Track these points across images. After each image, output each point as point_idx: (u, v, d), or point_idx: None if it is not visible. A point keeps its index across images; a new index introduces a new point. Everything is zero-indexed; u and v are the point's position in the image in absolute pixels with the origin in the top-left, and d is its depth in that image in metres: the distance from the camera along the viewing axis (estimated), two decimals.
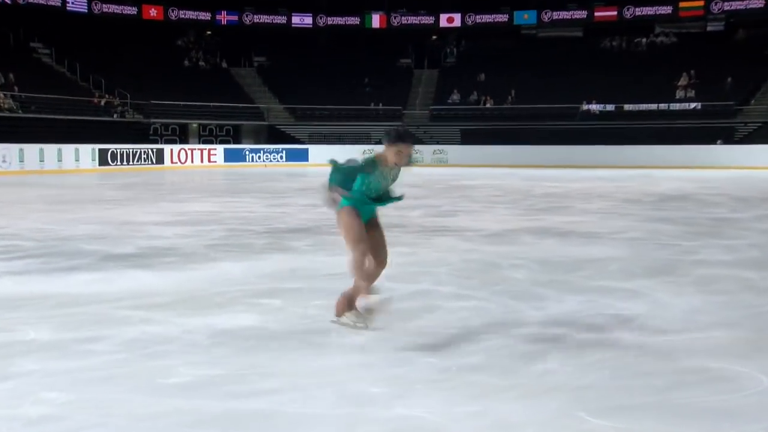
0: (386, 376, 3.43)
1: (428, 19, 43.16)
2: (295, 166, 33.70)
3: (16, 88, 30.04)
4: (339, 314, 4.23)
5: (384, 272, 4.61)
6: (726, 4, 39.49)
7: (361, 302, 4.08)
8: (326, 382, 3.34)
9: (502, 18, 42.30)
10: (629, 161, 31.39)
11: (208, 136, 36.95)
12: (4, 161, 25.52)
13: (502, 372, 3.49)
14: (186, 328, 4.24)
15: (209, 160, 33.03)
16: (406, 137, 3.85)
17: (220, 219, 10.60)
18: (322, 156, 35.09)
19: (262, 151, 34.81)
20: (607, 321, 4.51)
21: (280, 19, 42.88)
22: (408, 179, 21.31)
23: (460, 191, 17.33)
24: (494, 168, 31.17)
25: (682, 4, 40.01)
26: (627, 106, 34.86)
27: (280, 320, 4.47)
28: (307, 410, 3.01)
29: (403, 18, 43.14)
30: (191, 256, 7.12)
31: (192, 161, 32.29)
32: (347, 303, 4.19)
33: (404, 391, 3.22)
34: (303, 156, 35.17)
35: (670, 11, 40.22)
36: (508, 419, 2.93)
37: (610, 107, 35.23)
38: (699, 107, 34.02)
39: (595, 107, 35.49)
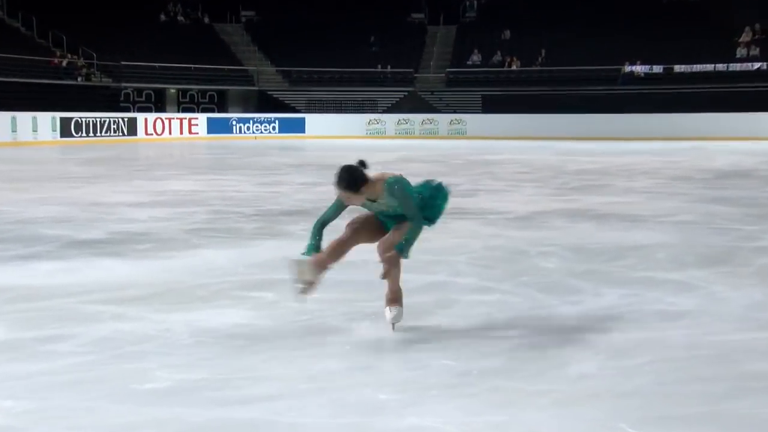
0: (396, 380, 3.44)
1: None
2: (290, 138, 33.73)
3: None
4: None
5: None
6: None
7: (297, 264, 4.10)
8: (326, 387, 3.35)
9: None
10: (679, 132, 31.24)
11: (188, 104, 36.96)
12: None
13: (531, 376, 3.49)
14: (164, 326, 4.27)
15: (190, 132, 33.09)
16: (336, 181, 3.99)
17: (203, 199, 10.63)
18: (321, 127, 35.13)
19: (251, 121, 34.82)
20: (653, 318, 4.51)
21: None
22: (421, 154, 21.54)
23: (481, 168, 17.30)
24: (521, 141, 31.12)
25: None
26: (678, 68, 34.61)
27: (274, 316, 4.48)
28: (305, 420, 3.02)
29: None
30: (170, 242, 7.15)
31: (170, 132, 32.36)
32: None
33: (416, 398, 3.23)
34: (299, 126, 35.19)
35: None
36: (537, 431, 2.93)
37: (657, 69, 34.99)
38: (764, 67, 33.68)
39: (639, 69, 35.25)
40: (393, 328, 4.12)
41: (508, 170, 16.48)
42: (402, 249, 4.00)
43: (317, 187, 12.17)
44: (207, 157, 23.28)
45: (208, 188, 12.35)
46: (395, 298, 4.14)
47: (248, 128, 34.60)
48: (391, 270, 4.07)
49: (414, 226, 4.02)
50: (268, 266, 5.96)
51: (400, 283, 4.17)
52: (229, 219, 8.73)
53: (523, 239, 7.30)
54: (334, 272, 5.40)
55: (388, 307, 4.14)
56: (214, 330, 4.20)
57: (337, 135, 33.90)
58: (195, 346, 3.92)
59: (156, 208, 9.69)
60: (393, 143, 30.05)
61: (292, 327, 4.27)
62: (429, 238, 7.31)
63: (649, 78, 34.89)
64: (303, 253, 4.11)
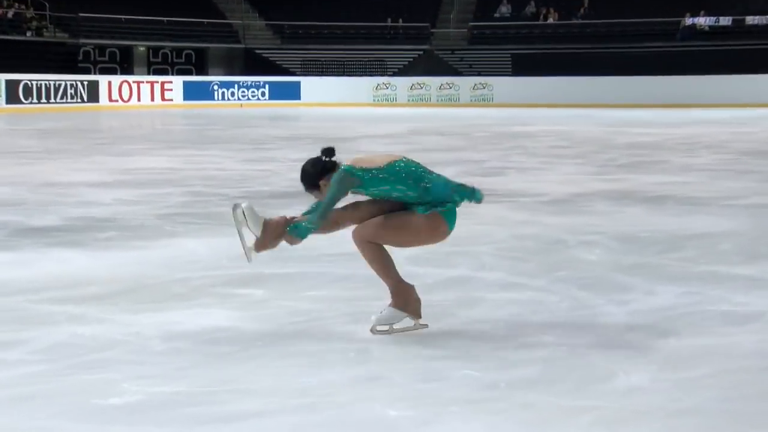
0: (409, 394, 3.45)
1: None
2: (283, 106, 33.73)
3: None
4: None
5: (407, 252, 4.61)
6: None
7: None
8: (326, 402, 3.36)
9: None
10: (751, 97, 31.04)
11: (160, 64, 36.96)
12: None
13: (569, 390, 3.50)
14: (133, 329, 4.28)
15: (163, 98, 33.11)
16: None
17: (180, 179, 10.66)
18: (319, 93, 35.09)
19: (236, 86, 34.80)
20: (716, 321, 4.50)
21: None
22: (438, 125, 21.56)
23: (510, 141, 17.28)
24: (558, 109, 31.05)
25: None
26: (749, 19, 34.34)
27: (263, 318, 4.50)
28: None
29: None
30: (139, 230, 7.17)
31: (139, 99, 32.39)
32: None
33: (433, 416, 3.23)
34: (293, 92, 35.15)
35: None
36: None
37: (724, 21, 34.73)
38: None
39: (703, 21, 35.01)
40: (371, 330, 4.16)
41: (543, 144, 16.44)
42: (294, 229, 4.14)
43: None
44: (183, 128, 23.30)
45: (185, 165, 12.37)
46: (393, 294, 4.16)
47: (232, 94, 34.60)
48: (369, 259, 4.12)
49: (311, 217, 4.13)
50: (257, 258, 5.97)
51: (390, 277, 4.15)
52: (210, 202, 8.75)
53: (561, 226, 7.29)
54: (335, 266, 5.42)
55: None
56: (192, 334, 4.21)
57: (338, 102, 33.86)
58: (169, 354, 3.94)
59: (122, 189, 9.71)
60: (405, 112, 30.02)
61: (286, 330, 4.28)
62: None
63: (714, 32, 34.64)
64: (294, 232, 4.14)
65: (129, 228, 7.23)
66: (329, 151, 4.22)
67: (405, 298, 4.17)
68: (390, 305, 4.18)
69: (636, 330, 4.31)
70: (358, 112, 30.04)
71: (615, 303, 4.80)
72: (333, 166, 4.17)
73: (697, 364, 3.81)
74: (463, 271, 5.59)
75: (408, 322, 4.22)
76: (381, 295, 4.32)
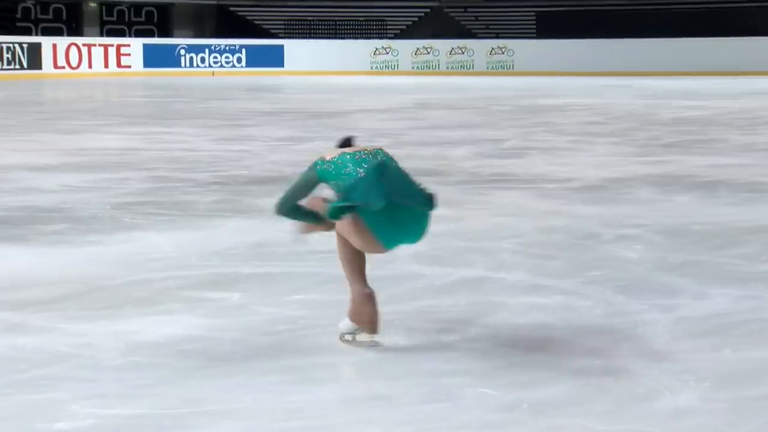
0: (413, 416, 3.45)
1: None
2: (263, 75, 33.67)
3: None
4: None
5: (413, 248, 4.61)
6: None
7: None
8: (316, 426, 3.36)
9: None
10: None
11: (115, 24, 36.88)
12: None
13: (605, 412, 3.50)
14: (84, 340, 4.28)
15: (119, 65, 33.04)
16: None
17: (140, 162, 10.66)
18: (306, 59, 35.00)
19: (206, 50, 34.72)
20: None
21: None
22: (448, 97, 21.41)
23: (534, 116, 17.27)
24: (591, 77, 31.01)
25: None
26: None
27: (240, 326, 4.50)
28: None
29: None
30: (92, 222, 7.17)
31: (90, 66, 32.33)
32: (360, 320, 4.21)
33: None
34: (274, 58, 35.08)
35: None
36: None
37: None
38: None
39: None
40: (340, 338, 4.20)
41: (573, 120, 16.44)
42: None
43: (300, 144, 12.17)
44: (143, 101, 23.27)
45: (146, 145, 12.36)
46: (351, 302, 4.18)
47: (202, 60, 34.55)
48: (341, 256, 4.18)
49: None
50: (232, 256, 5.99)
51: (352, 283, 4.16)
52: (177, 189, 8.75)
53: (594, 218, 7.30)
54: (326, 265, 5.42)
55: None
56: (155, 345, 4.21)
57: (328, 71, 33.80)
58: (128, 369, 3.94)
59: (71, 173, 9.71)
60: (408, 82, 30.00)
61: (267, 341, 4.28)
62: (460, 217, 7.36)
63: None
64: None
65: (79, 220, 7.23)
66: (347, 143, 4.27)
67: (356, 310, 4.17)
68: (347, 320, 4.21)
69: (684, 341, 4.31)
70: (353, 81, 30.02)
71: (659, 309, 4.80)
72: None
73: (757, 382, 3.82)
74: (478, 271, 5.59)
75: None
76: (380, 297, 4.33)
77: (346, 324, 4.22)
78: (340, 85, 27.20)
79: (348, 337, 4.23)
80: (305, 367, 3.95)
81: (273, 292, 5.13)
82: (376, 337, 4.20)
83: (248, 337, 4.34)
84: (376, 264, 4.74)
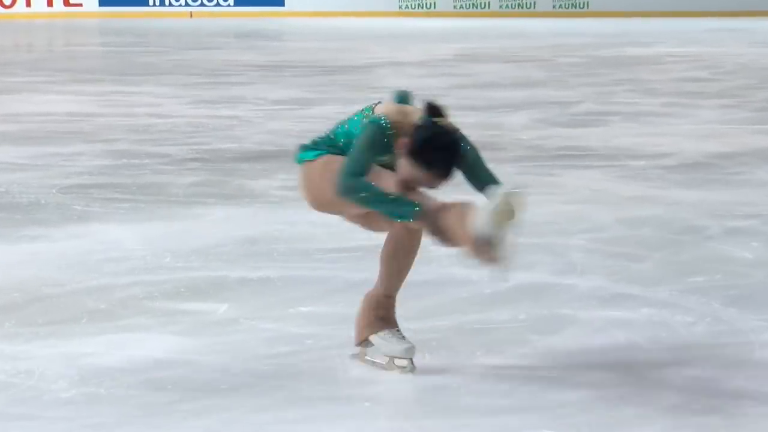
0: None
1: None
2: (257, 17, 33.62)
3: None
4: (361, 338, 4.27)
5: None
6: None
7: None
8: None
9: None
10: None
11: None
12: None
13: None
14: (23, 366, 4.29)
15: (67, 2, 33.11)
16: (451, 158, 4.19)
17: (95, 131, 10.63)
18: None
19: None
20: None
21: None
22: (500, 47, 21.13)
23: (615, 71, 17.15)
24: (692, 19, 30.77)
25: None
26: None
27: (228, 348, 4.51)
28: None
29: None
30: (32, 210, 7.17)
31: (28, 4, 32.40)
32: (377, 316, 4.23)
33: None
34: None
35: None
36: None
37: None
38: None
39: None
40: (410, 369, 4.19)
41: (668, 76, 16.31)
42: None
43: (306, 109, 12.09)
44: (100, 50, 23.25)
45: (103, 110, 12.32)
46: (390, 314, 4.22)
47: None
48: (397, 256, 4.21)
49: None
50: (217, 254, 5.99)
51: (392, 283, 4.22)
52: (144, 168, 8.73)
53: (696, 206, 7.27)
54: (339, 267, 5.42)
55: (383, 332, 4.22)
56: (117, 373, 4.22)
57: (343, 11, 33.74)
58: (82, 404, 3.95)
59: (3, 146, 9.70)
60: (449, 26, 29.86)
61: (263, 367, 4.29)
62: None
63: None
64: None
65: (15, 208, 7.23)
66: (435, 110, 4.27)
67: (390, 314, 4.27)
68: (379, 328, 4.24)
69: None
70: (376, 26, 29.89)
71: None
72: None
73: None
74: (541, 276, 5.57)
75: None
76: (407, 312, 4.34)
77: (385, 341, 4.22)
78: (358, 31, 27.07)
79: (378, 359, 4.23)
80: (312, 401, 3.96)
81: (271, 302, 5.13)
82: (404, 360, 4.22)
83: (238, 362, 4.34)
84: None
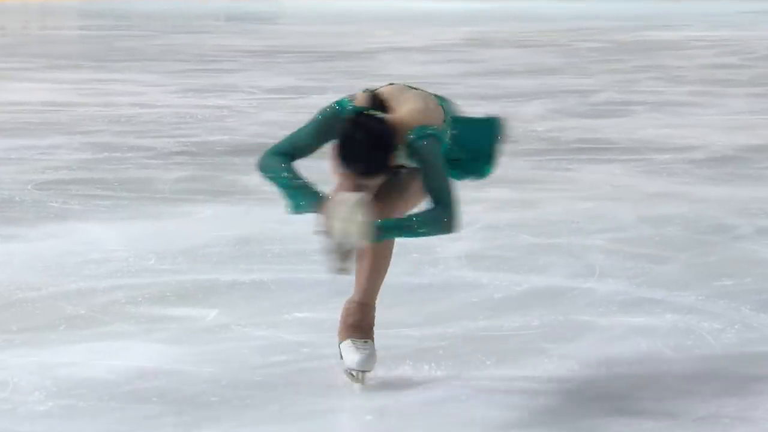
0: None
1: None
2: None
3: None
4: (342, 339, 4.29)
5: (465, 247, 4.59)
6: None
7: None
8: None
9: None
10: None
11: None
12: None
13: None
14: None
15: None
16: (351, 152, 4.04)
17: (73, 122, 10.64)
18: None
19: None
20: None
21: None
22: (514, 29, 21.06)
23: (638, 56, 17.15)
24: (718, 0, 30.75)
25: None
26: None
27: (219, 357, 4.50)
28: None
29: None
30: (5, 208, 7.16)
31: None
32: (345, 323, 4.24)
33: None
34: None
35: None
36: None
37: None
38: None
39: None
40: (359, 380, 4.17)
41: (695, 62, 16.33)
42: (385, 230, 4.04)
43: (303, 98, 12.06)
44: (79, 34, 23.28)
45: (83, 99, 12.33)
46: (359, 322, 4.21)
47: None
48: (367, 260, 4.17)
49: (431, 215, 4.05)
50: (206, 256, 6.00)
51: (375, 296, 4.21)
52: (127, 162, 8.73)
53: (726, 203, 7.26)
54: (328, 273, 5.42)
55: (346, 341, 4.21)
56: (98, 385, 4.21)
57: None
58: (59, 417, 3.94)
59: None
60: (458, 7, 29.87)
61: (256, 377, 4.29)
62: (532, 201, 7.31)
63: None
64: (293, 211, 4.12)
65: None
66: (376, 101, 4.19)
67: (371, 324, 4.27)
68: (362, 337, 4.21)
69: None
70: (379, 7, 29.94)
71: None
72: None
73: None
74: (556, 279, 5.57)
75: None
76: (411, 318, 4.35)
77: (359, 355, 4.22)
78: (360, 13, 27.12)
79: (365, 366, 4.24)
80: (310, 414, 3.97)
81: (264, 308, 5.13)
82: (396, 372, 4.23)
83: (229, 373, 4.33)
84: (414, 268, 4.77)
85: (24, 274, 5.69)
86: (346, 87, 10.14)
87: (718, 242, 6.36)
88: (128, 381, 4.27)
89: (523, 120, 10.53)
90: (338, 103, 4.14)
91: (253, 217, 6.79)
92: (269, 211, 6.88)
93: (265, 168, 4.10)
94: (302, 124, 4.14)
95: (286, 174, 4.05)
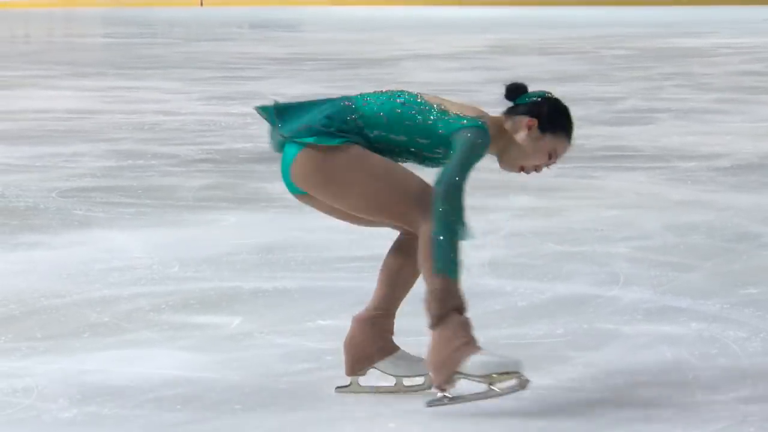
0: None
1: None
2: (273, 5, 33.65)
3: None
4: (359, 368, 4.27)
5: (487, 255, 4.58)
6: None
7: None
8: None
9: None
10: None
11: None
12: None
13: None
14: (20, 383, 4.29)
15: None
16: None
17: (96, 130, 10.64)
18: None
19: None
20: None
21: None
22: (539, 37, 20.96)
23: (664, 63, 17.11)
24: (749, 7, 30.65)
25: None
26: None
27: (242, 364, 4.51)
28: None
29: None
30: (29, 215, 7.19)
31: None
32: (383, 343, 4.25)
33: None
34: None
35: None
36: None
37: None
38: None
39: None
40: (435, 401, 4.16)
41: (722, 69, 16.26)
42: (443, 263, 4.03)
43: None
44: (103, 41, 23.31)
45: (106, 106, 12.34)
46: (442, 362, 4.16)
47: None
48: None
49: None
50: (230, 263, 6.00)
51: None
52: (151, 169, 8.74)
53: (753, 211, 7.23)
54: (363, 277, 5.44)
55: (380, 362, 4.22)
56: (121, 392, 4.22)
57: None
58: (83, 425, 3.95)
59: None
60: (480, 15, 29.84)
61: (280, 385, 4.29)
62: (556, 209, 7.30)
63: None
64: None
65: (12, 213, 7.25)
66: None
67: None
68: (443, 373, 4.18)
69: None
70: (403, 14, 29.92)
71: None
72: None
73: None
74: (580, 287, 5.56)
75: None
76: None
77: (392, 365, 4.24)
78: (383, 20, 27.10)
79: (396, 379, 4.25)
80: (333, 422, 3.97)
81: (288, 316, 5.13)
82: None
83: (252, 380, 4.34)
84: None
85: (48, 282, 5.71)
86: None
87: (743, 250, 6.34)
88: (152, 388, 4.27)
89: None
90: (476, 126, 4.11)
91: (276, 225, 6.79)
92: (293, 219, 6.89)
93: (453, 207, 4.02)
94: (459, 158, 4.03)
95: (461, 231, 4.03)
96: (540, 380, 4.33)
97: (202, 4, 34.05)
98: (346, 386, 4.24)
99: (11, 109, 12.02)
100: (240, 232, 6.68)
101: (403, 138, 4.12)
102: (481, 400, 4.01)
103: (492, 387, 3.97)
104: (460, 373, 3.99)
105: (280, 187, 7.62)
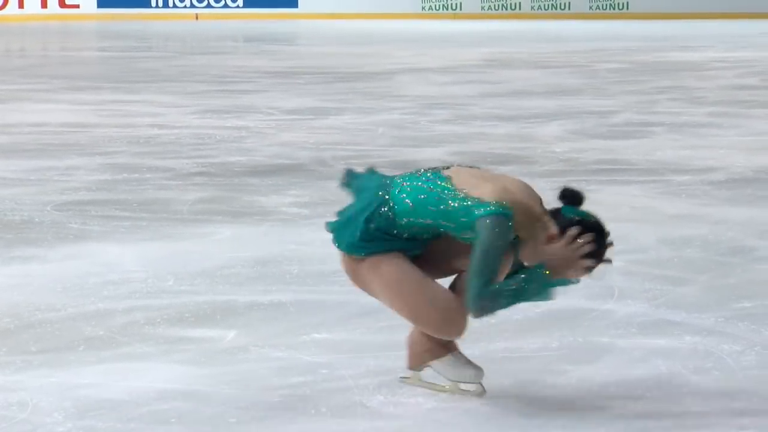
0: None
1: None
2: (268, 18, 33.69)
3: None
4: (418, 363, 4.30)
5: None
6: None
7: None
8: None
9: None
10: None
11: None
12: None
13: None
14: (15, 397, 4.30)
15: (63, 4, 33.23)
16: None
17: (93, 143, 10.63)
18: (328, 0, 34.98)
19: None
20: None
21: None
22: (533, 51, 21.01)
23: (658, 77, 17.11)
24: (742, 20, 30.71)
25: None
26: None
27: (238, 379, 4.51)
28: None
29: None
30: (24, 229, 7.18)
31: (21, 5, 32.53)
32: (438, 342, 4.26)
33: None
34: None
35: None
36: None
37: None
38: None
39: None
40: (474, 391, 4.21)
41: (715, 83, 16.27)
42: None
43: (321, 119, 12.05)
44: (98, 55, 23.30)
45: (102, 119, 12.31)
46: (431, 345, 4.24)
47: None
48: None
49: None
50: (225, 277, 6.00)
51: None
52: (146, 183, 8.73)
53: (747, 225, 7.25)
54: (357, 292, 5.44)
55: (434, 362, 4.26)
56: (116, 405, 4.22)
57: (361, 13, 33.77)
58: None
59: None
60: (476, 29, 29.87)
61: (272, 399, 4.30)
62: None
63: None
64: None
65: (7, 226, 7.23)
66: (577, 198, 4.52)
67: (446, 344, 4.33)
68: (443, 354, 4.29)
69: None
70: (397, 28, 29.91)
71: None
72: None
73: None
74: (575, 301, 5.52)
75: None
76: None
77: (450, 366, 4.28)
78: (378, 34, 27.09)
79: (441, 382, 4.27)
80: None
81: (283, 329, 5.13)
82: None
83: (248, 394, 4.35)
84: None
85: (43, 295, 5.70)
86: (365, 108, 10.17)
87: (737, 264, 6.35)
88: (147, 402, 4.28)
89: (542, 141, 10.53)
90: (497, 213, 4.12)
91: (271, 239, 6.79)
92: (288, 232, 6.90)
93: (492, 305, 4.14)
94: (480, 262, 4.05)
95: (509, 286, 4.13)
96: (536, 393, 4.34)
97: (197, 18, 34.03)
98: (407, 377, 4.36)
99: (6, 123, 12.00)
100: (235, 246, 6.68)
101: (429, 221, 4.17)
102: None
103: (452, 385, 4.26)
104: (430, 366, 4.26)
105: (274, 201, 7.68)
